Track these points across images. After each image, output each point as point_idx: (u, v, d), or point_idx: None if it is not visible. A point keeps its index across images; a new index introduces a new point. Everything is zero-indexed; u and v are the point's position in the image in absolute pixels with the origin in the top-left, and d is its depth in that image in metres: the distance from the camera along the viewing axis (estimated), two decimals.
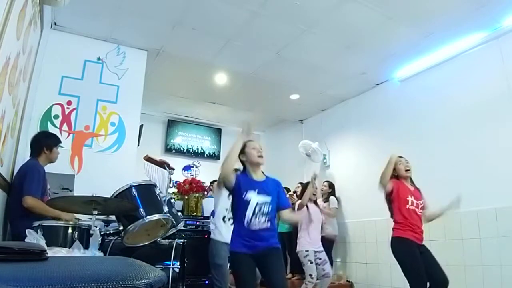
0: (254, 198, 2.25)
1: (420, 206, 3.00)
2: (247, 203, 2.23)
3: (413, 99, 4.67)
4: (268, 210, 2.27)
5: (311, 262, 3.79)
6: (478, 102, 3.86)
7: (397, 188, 3.01)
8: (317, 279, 3.83)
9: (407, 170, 3.09)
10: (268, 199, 2.29)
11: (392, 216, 3.07)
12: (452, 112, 4.14)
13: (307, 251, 3.84)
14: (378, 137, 5.10)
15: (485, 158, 3.68)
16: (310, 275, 3.74)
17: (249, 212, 2.22)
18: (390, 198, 3.05)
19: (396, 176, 3.12)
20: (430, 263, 2.86)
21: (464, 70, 4.09)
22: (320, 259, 3.88)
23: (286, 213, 2.45)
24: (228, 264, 3.06)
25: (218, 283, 3.12)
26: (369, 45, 4.21)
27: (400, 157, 3.16)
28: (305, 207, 3.99)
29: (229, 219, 3.12)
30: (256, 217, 2.22)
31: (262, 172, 2.46)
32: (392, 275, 4.40)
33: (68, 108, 3.87)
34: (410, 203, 2.97)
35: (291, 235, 4.79)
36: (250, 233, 2.24)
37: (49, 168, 2.80)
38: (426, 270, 2.79)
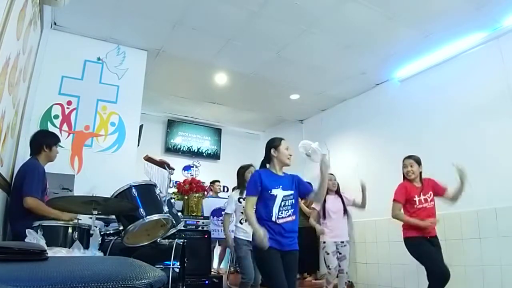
0: (279, 193, 2.41)
1: (429, 199, 3.13)
2: (274, 198, 2.39)
3: (413, 99, 4.67)
4: (292, 203, 2.44)
5: (328, 254, 3.78)
6: (478, 102, 3.86)
7: (406, 197, 3.15)
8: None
9: (407, 173, 3.23)
10: (291, 192, 2.46)
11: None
12: (452, 112, 4.13)
13: (324, 242, 3.83)
14: (378, 137, 5.10)
15: (485, 158, 3.68)
16: (328, 266, 3.74)
17: (276, 207, 2.38)
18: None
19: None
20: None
21: (464, 70, 4.09)
22: (340, 253, 3.85)
23: (312, 195, 2.60)
24: (251, 257, 3.22)
25: (243, 276, 3.34)
26: (369, 45, 4.21)
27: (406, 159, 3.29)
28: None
29: (245, 221, 3.33)
30: (282, 211, 2.39)
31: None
32: (392, 275, 4.40)
33: (68, 108, 3.87)
34: (417, 202, 3.12)
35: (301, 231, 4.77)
36: (277, 226, 2.36)
37: (49, 168, 2.80)
38: None
